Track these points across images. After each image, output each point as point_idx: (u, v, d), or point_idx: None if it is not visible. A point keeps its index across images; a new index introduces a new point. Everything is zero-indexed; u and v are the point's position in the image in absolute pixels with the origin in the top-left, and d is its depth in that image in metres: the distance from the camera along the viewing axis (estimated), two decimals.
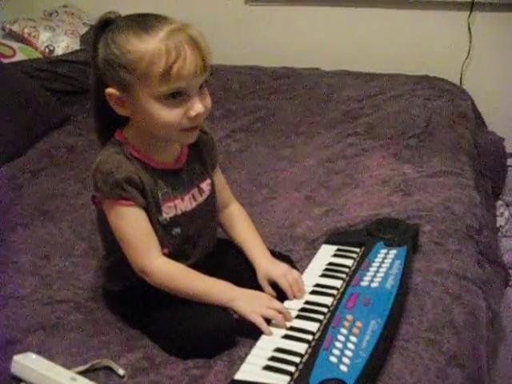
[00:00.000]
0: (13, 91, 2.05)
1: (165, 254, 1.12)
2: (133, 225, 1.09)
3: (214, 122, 2.04)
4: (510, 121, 2.50)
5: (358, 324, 1.02)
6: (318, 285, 1.18)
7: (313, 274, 1.22)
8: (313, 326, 1.05)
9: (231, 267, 1.22)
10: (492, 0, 2.46)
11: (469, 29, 2.51)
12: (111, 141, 1.13)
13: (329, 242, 1.35)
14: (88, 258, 1.40)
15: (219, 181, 1.26)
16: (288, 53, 2.74)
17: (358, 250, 1.29)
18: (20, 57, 2.43)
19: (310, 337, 1.02)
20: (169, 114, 1.04)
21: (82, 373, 1.01)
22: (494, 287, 1.40)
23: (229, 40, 2.70)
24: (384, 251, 1.26)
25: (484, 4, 2.47)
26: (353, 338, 0.99)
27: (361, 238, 1.33)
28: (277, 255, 1.24)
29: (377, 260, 1.22)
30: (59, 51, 2.60)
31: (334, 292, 1.14)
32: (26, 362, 1.01)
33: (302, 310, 1.10)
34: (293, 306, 1.12)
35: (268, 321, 1.06)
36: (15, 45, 2.51)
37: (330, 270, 1.23)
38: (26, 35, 2.59)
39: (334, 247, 1.32)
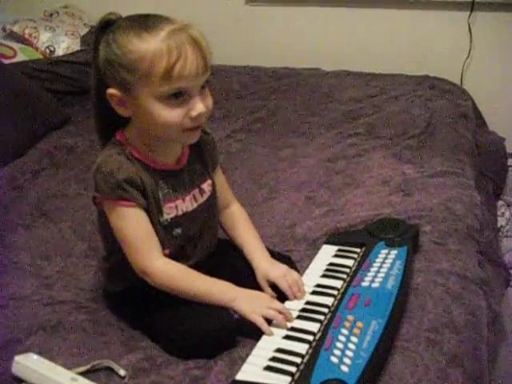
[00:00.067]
0: (13, 92, 2.05)
1: (166, 255, 1.12)
2: (134, 225, 1.09)
3: (215, 123, 2.04)
4: (511, 121, 2.50)
5: (359, 324, 1.02)
6: (318, 285, 1.18)
7: (313, 274, 1.22)
8: (313, 327, 1.05)
9: (232, 267, 1.22)
10: (492, 0, 2.46)
11: (469, 29, 2.51)
12: (112, 141, 1.13)
13: (329, 242, 1.35)
14: (88, 258, 1.40)
15: (220, 181, 1.26)
16: (288, 53, 2.74)
17: (358, 250, 1.29)
18: (20, 57, 2.44)
19: (310, 337, 1.02)
20: (170, 114, 1.04)
21: (83, 373, 1.01)
22: (495, 287, 1.40)
23: (229, 40, 2.70)
24: (385, 251, 1.25)
25: (484, 4, 2.47)
26: (353, 339, 0.99)
27: (361, 239, 1.33)
28: (276, 256, 1.24)
29: (377, 260, 1.22)
30: (60, 52, 2.60)
31: (335, 292, 1.14)
32: (27, 363, 1.01)
33: (303, 310, 1.10)
34: (293, 306, 1.11)
35: (269, 321, 1.06)
36: (16, 45, 2.52)
37: (331, 271, 1.23)
38: (26, 36, 2.59)
39: (335, 247, 1.32)
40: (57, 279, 1.32)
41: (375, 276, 1.17)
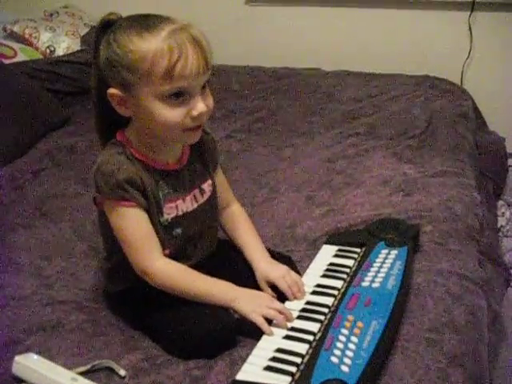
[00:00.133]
0: (13, 92, 2.05)
1: (166, 255, 1.12)
2: (134, 226, 1.09)
3: (215, 123, 2.04)
4: (511, 121, 2.50)
5: (359, 324, 1.02)
6: (318, 285, 1.18)
7: (314, 274, 1.22)
8: (314, 327, 1.05)
9: (232, 268, 1.22)
10: (492, 0, 2.46)
11: (469, 29, 2.51)
12: (112, 141, 1.13)
13: (330, 242, 1.35)
14: (89, 258, 1.40)
15: (220, 181, 1.26)
16: (288, 53, 2.74)
17: (358, 250, 1.29)
18: (21, 57, 2.44)
19: (310, 337, 1.02)
20: (171, 114, 1.04)
21: (83, 373, 1.01)
22: (495, 287, 1.40)
23: (229, 40, 2.70)
24: (385, 251, 1.25)
25: (485, 4, 2.48)
26: (354, 339, 0.99)
27: (362, 239, 1.33)
28: (276, 256, 1.23)
29: (378, 260, 1.22)
30: (60, 52, 2.61)
31: (335, 292, 1.14)
32: (27, 363, 1.01)
33: (303, 310, 1.10)
34: (294, 306, 1.11)
35: (269, 321, 1.06)
36: (16, 45, 2.52)
37: (331, 271, 1.23)
38: (26, 36, 2.59)
39: (335, 247, 1.32)
40: (57, 279, 1.32)
41: (375, 276, 1.17)
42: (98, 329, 1.15)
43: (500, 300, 1.42)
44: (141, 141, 1.12)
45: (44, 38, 2.61)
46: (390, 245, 1.28)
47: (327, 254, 1.30)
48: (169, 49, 1.00)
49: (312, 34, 2.72)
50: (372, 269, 1.19)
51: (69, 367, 1.02)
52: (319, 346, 0.99)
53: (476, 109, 2.34)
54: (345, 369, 0.93)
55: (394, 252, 1.25)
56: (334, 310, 1.08)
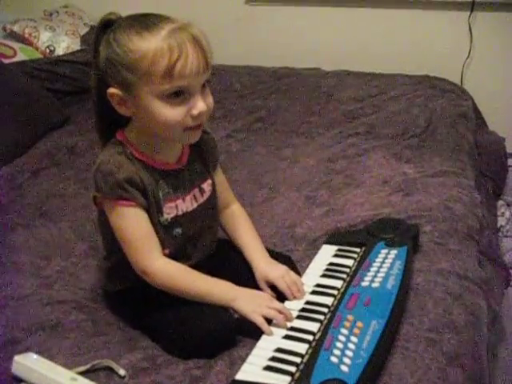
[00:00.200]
0: (13, 91, 2.05)
1: (166, 255, 1.12)
2: (133, 225, 1.09)
3: (215, 122, 2.04)
4: (511, 121, 2.50)
5: (359, 324, 1.02)
6: (318, 285, 1.18)
7: (313, 274, 1.22)
8: (313, 327, 1.05)
9: (232, 267, 1.22)
10: (492, 0, 2.46)
11: (469, 29, 2.51)
12: (112, 141, 1.13)
13: (329, 242, 1.35)
14: (88, 258, 1.40)
15: (220, 181, 1.26)
16: (288, 53, 2.74)
17: (358, 250, 1.29)
18: (21, 57, 2.43)
19: (310, 337, 1.02)
20: (171, 113, 1.04)
21: (83, 373, 1.01)
22: (495, 287, 1.40)
23: (229, 40, 2.70)
24: (385, 251, 1.25)
25: (485, 4, 2.47)
26: (353, 339, 0.99)
27: (361, 238, 1.33)
28: (275, 256, 1.23)
29: (377, 260, 1.22)
30: (60, 51, 2.60)
31: (335, 292, 1.14)
32: (27, 362, 1.01)
33: (303, 310, 1.10)
34: (293, 306, 1.11)
35: (269, 321, 1.06)
36: (16, 45, 2.51)
37: (331, 270, 1.23)
38: (26, 35, 2.59)
39: (335, 247, 1.32)
40: (57, 279, 1.32)
41: (375, 276, 1.17)
42: (98, 328, 1.15)
43: (500, 300, 1.42)
44: (141, 140, 1.12)
45: (44, 38, 2.61)
46: (390, 245, 1.28)
47: (327, 253, 1.30)
48: (169, 48, 1.00)
49: (312, 34, 2.72)
50: (372, 269, 1.19)
51: (68, 367, 1.02)
52: (319, 345, 0.99)
53: (476, 109, 2.34)
54: (344, 368, 0.93)
55: (394, 252, 1.25)
56: (334, 310, 1.08)
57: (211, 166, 1.23)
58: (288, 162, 1.84)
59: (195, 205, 1.18)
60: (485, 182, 1.96)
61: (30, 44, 2.58)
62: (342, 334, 1.00)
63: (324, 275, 1.21)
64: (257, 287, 1.16)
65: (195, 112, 1.05)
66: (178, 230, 1.14)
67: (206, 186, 1.21)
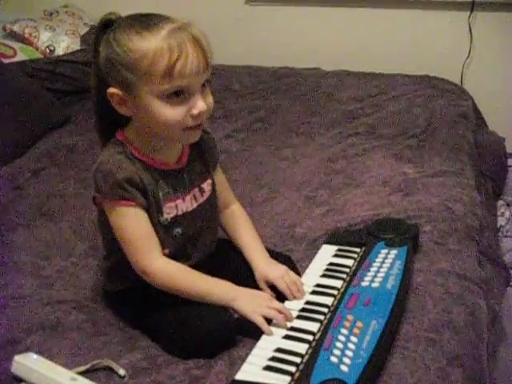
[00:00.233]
0: (13, 91, 2.05)
1: (165, 255, 1.12)
2: (133, 225, 1.09)
3: (215, 122, 2.04)
4: (511, 121, 2.49)
5: (359, 324, 1.02)
6: (318, 285, 1.18)
7: (313, 274, 1.22)
8: (313, 327, 1.05)
9: (232, 267, 1.22)
10: (492, 0, 2.46)
11: (469, 29, 2.51)
12: (112, 141, 1.13)
13: (329, 242, 1.35)
14: (88, 258, 1.40)
15: (220, 181, 1.26)
16: (288, 53, 2.74)
17: (358, 250, 1.29)
18: (21, 57, 2.43)
19: (310, 337, 1.02)
20: (171, 113, 1.04)
21: (83, 373, 1.01)
22: (495, 287, 1.40)
23: (229, 40, 2.69)
24: (385, 251, 1.25)
25: (484, 4, 2.47)
26: (353, 339, 0.99)
27: (361, 238, 1.33)
28: (275, 256, 1.23)
29: (377, 260, 1.22)
30: (60, 51, 2.60)
31: (335, 292, 1.14)
32: (27, 362, 1.01)
33: (303, 310, 1.10)
34: (293, 306, 1.11)
35: (269, 321, 1.06)
36: (16, 45, 2.51)
37: (331, 270, 1.23)
38: (26, 35, 2.59)
39: (335, 247, 1.32)
40: (57, 279, 1.32)
41: (375, 276, 1.17)
42: (98, 328, 1.15)
43: (499, 300, 1.42)
44: (141, 140, 1.12)
45: (44, 38, 2.61)
46: (390, 245, 1.28)
47: (327, 253, 1.30)
48: (169, 48, 1.00)
49: (312, 33, 2.72)
50: (372, 269, 1.19)
51: (68, 367, 1.02)
52: (319, 345, 0.99)
53: (476, 109, 2.34)
54: (344, 368, 0.93)
55: (394, 252, 1.25)
56: (334, 310, 1.08)
57: (211, 166, 1.23)
58: (288, 162, 1.84)
59: (195, 205, 1.18)
60: (485, 181, 1.96)
61: (30, 44, 2.58)
62: (342, 334, 1.00)
63: (324, 275, 1.21)
64: (257, 287, 1.16)
65: (195, 112, 1.05)
66: (178, 230, 1.14)
67: (206, 185, 1.21)
